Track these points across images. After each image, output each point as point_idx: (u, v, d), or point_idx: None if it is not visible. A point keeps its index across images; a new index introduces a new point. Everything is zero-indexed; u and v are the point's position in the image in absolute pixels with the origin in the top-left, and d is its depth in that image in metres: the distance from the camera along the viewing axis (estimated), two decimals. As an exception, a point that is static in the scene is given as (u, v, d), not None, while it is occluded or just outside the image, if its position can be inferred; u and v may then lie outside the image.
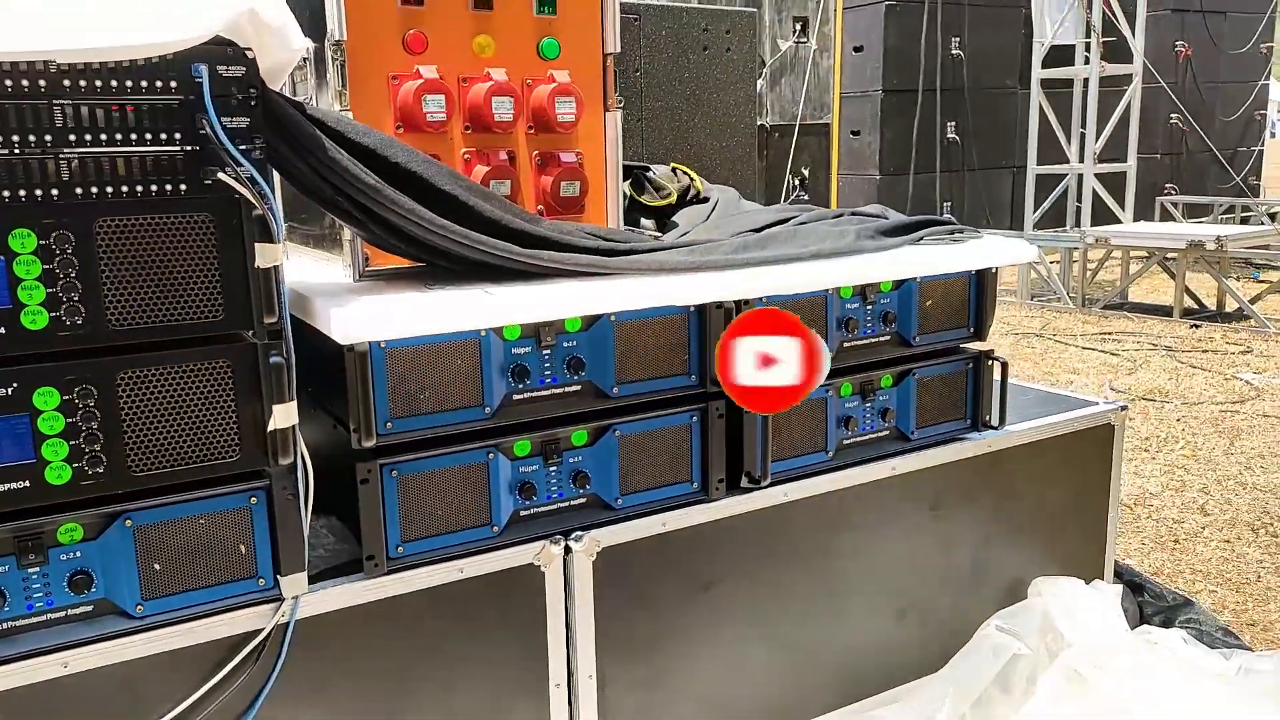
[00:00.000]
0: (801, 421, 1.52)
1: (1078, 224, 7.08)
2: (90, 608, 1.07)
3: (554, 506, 1.34)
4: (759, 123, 7.36)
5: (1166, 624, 2.02)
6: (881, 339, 1.59)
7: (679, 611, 1.45)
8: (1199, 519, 2.98)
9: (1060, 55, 6.69)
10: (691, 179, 1.67)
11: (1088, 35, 6.11)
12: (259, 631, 1.14)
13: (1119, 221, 7.09)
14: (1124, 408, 1.87)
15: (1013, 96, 8.67)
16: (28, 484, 1.01)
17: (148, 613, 1.09)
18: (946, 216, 1.71)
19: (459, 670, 1.30)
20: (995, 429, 1.71)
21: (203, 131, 1.02)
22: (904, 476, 1.62)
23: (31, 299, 0.99)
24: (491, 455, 1.28)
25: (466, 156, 1.37)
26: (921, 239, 1.58)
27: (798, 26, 7.53)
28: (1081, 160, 6.39)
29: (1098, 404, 1.86)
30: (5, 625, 1.03)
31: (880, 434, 1.62)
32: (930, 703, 1.59)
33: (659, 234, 1.55)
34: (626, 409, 1.37)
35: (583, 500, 1.36)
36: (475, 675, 1.31)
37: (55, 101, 0.96)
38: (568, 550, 1.33)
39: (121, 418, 1.04)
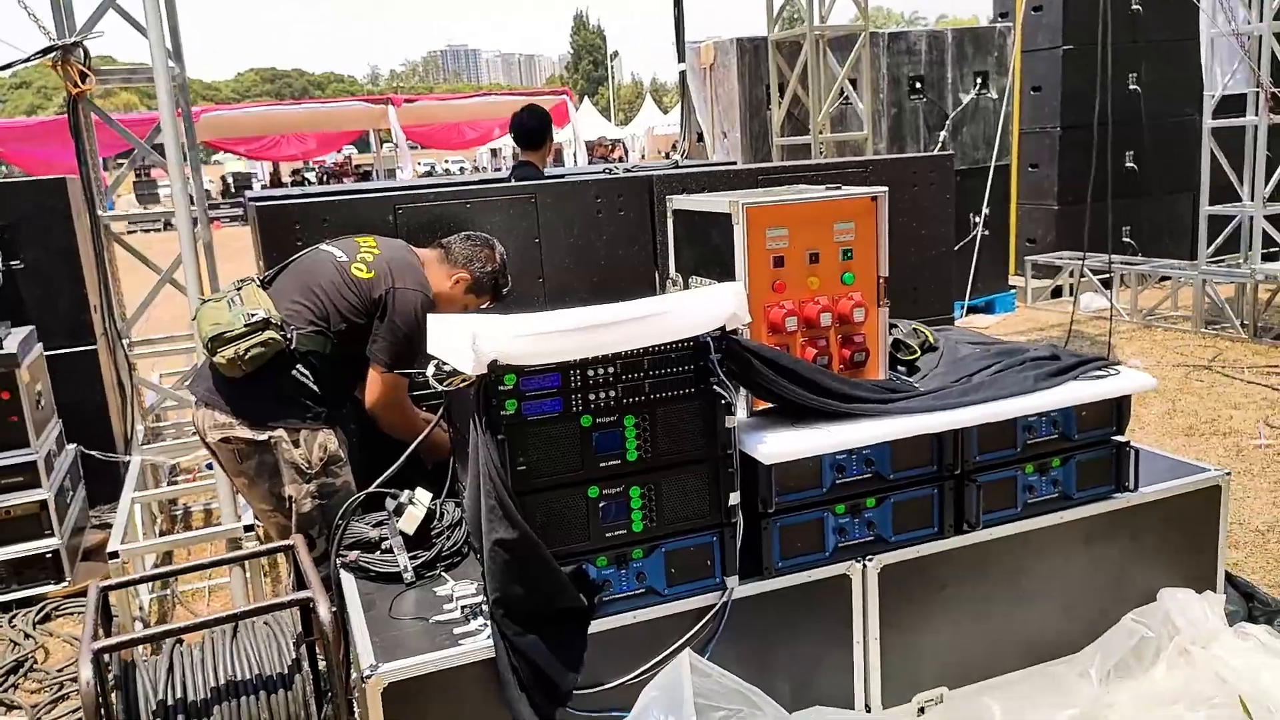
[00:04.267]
0: (1002, 489, 2.50)
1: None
2: (643, 590, 2.19)
3: (857, 542, 2.39)
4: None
5: (1269, 623, 2.86)
6: (1052, 437, 2.54)
7: (926, 603, 2.47)
8: (1326, 544, 3.70)
9: (1232, 103, 7.14)
10: (926, 335, 2.69)
11: (1257, 87, 6.60)
12: (713, 606, 2.25)
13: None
14: (1228, 474, 2.73)
15: (1192, 124, 9.03)
16: (624, 531, 2.15)
17: (669, 593, 2.21)
18: (1097, 356, 2.63)
19: (803, 629, 2.37)
20: (1131, 490, 2.62)
21: (703, 363, 2.13)
22: (1069, 523, 2.57)
23: (630, 444, 2.12)
24: (825, 513, 2.35)
25: (803, 342, 2.45)
26: (1078, 376, 2.52)
27: (978, 80, 8.25)
28: (1253, 200, 6.87)
29: (1209, 470, 2.74)
30: (609, 597, 2.17)
31: (1052, 496, 2.57)
32: (1086, 663, 2.54)
33: (909, 378, 2.58)
34: (897, 485, 2.40)
35: (872, 538, 2.41)
36: (812, 633, 2.37)
37: (646, 357, 2.09)
38: (865, 566, 2.38)
39: (663, 499, 2.16)
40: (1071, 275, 8.69)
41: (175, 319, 5.70)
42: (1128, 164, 8.94)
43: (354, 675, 2.12)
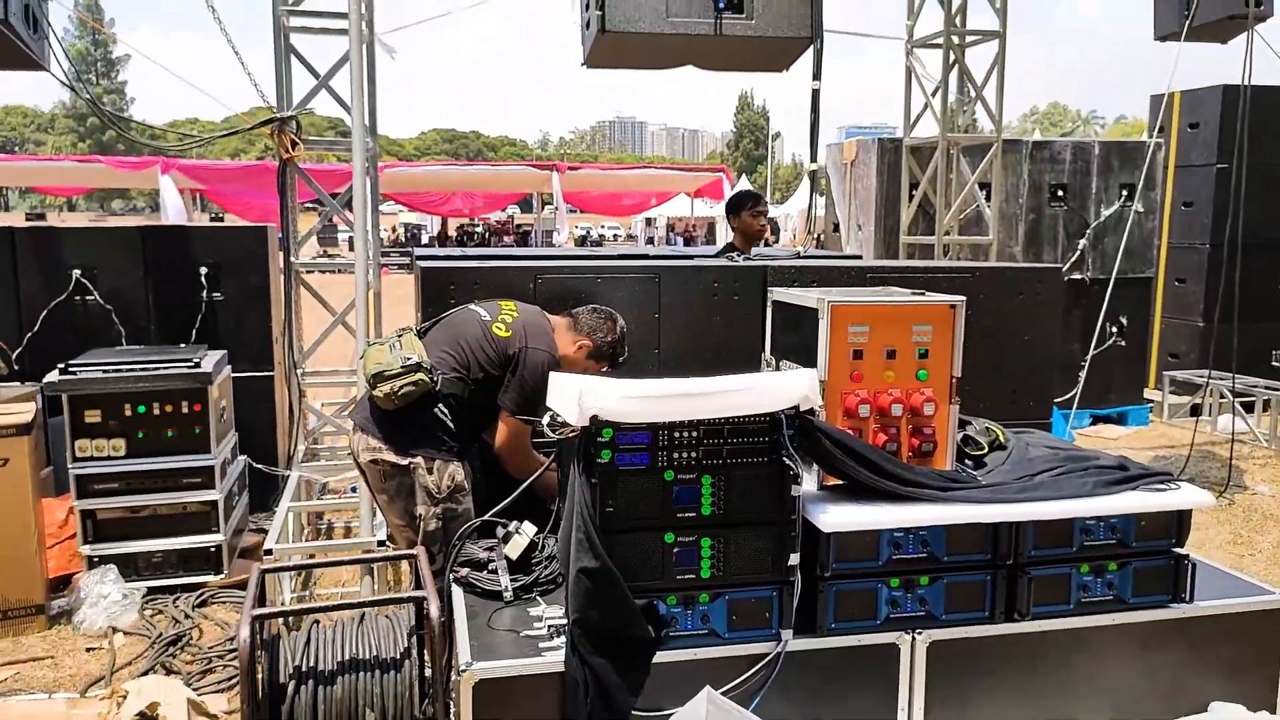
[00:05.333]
0: (1055, 585, 2.67)
1: None
2: (706, 631, 2.49)
3: (909, 615, 2.61)
4: (1078, 277, 8.18)
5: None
6: (1110, 541, 2.70)
7: (972, 681, 2.65)
8: None
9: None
10: (997, 434, 2.91)
11: None
12: (767, 654, 2.51)
13: None
14: (1292, 600, 2.80)
15: (1358, 252, 8.69)
16: (693, 575, 2.46)
17: (729, 637, 2.49)
18: (1162, 470, 2.78)
19: (851, 693, 2.59)
20: (1187, 602, 2.74)
21: (776, 437, 2.44)
22: (1121, 626, 2.70)
23: (705, 500, 2.44)
24: (879, 584, 2.59)
25: (875, 428, 2.72)
26: (1138, 487, 2.69)
27: (1124, 192, 8.26)
28: None
29: (1274, 593, 2.81)
30: (675, 633, 2.47)
31: (1106, 599, 2.72)
32: (1126, 764, 2.64)
33: (974, 471, 2.80)
34: (951, 567, 2.62)
35: (923, 614, 2.62)
36: (860, 697, 2.59)
37: (726, 425, 2.42)
38: (914, 639, 2.59)
39: (730, 551, 2.46)
40: (1211, 395, 8.45)
41: (341, 355, 6.40)
42: (1281, 286, 8.68)
43: (453, 672, 2.49)
